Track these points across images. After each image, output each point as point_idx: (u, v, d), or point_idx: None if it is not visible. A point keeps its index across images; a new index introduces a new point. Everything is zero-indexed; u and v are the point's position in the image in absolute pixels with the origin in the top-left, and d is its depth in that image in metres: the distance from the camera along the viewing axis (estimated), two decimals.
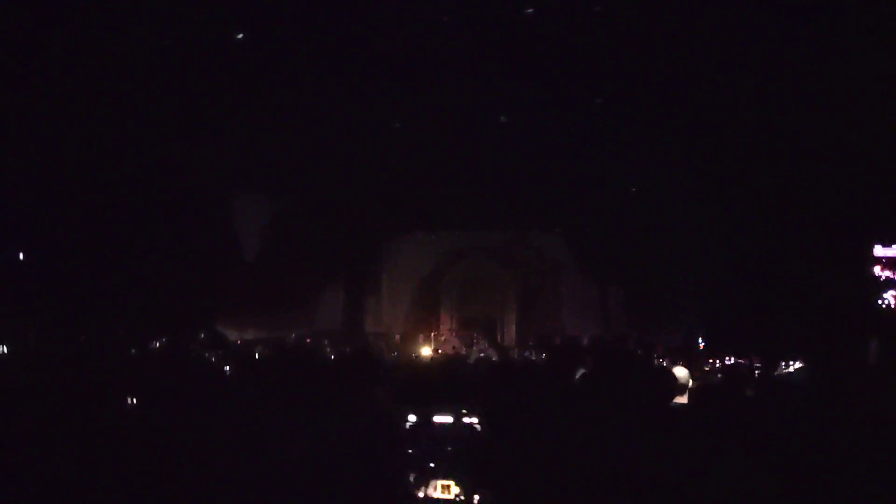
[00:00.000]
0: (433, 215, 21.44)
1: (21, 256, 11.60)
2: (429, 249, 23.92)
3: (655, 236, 18.14)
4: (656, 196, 17.67)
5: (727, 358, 10.96)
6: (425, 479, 1.14)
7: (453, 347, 19.58)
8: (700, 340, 14.87)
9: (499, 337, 23.34)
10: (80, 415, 3.53)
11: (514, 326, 24.07)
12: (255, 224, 17.89)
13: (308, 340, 16.19)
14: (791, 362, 9.34)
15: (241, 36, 11.66)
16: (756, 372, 9.75)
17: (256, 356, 12.84)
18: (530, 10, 11.10)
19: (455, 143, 15.75)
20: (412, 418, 1.07)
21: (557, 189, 18.38)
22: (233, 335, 15.85)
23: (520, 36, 11.59)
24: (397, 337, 21.69)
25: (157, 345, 10.95)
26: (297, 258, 19.19)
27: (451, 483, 1.13)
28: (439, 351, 19.00)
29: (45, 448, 3.30)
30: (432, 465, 1.08)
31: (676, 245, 17.01)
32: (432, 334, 21.67)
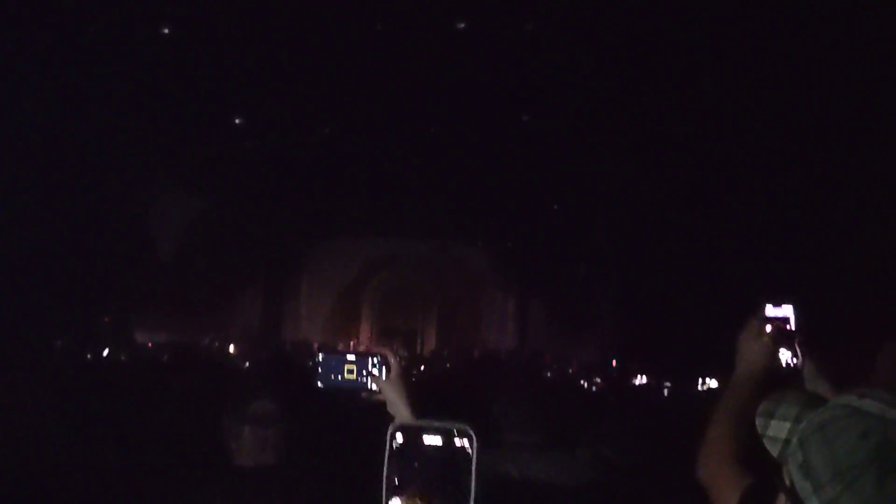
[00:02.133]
0: (357, 222, 21.28)
1: None
2: (351, 257, 23.70)
3: (575, 253, 18.46)
4: (577, 213, 18.00)
5: (639, 376, 11.20)
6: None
7: None
8: (614, 359, 15.16)
9: (418, 348, 23.29)
10: None
11: (434, 338, 24.06)
12: (172, 222, 17.34)
13: (216, 344, 15.74)
14: (707, 380, 9.58)
15: (166, 31, 11.36)
16: (665, 390, 9.99)
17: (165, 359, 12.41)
18: (462, 25, 11.18)
19: (382, 151, 15.69)
20: (399, 438, 1.01)
21: (481, 202, 18.51)
22: (145, 337, 15.31)
23: (450, 48, 11.64)
24: (315, 345, 21.39)
25: (59, 343, 10.48)
26: (215, 260, 18.70)
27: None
28: None
29: None
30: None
31: (595, 262, 17.35)
32: (351, 343, 21.46)
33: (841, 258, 9.54)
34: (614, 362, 15.04)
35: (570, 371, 15.60)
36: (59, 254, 12.19)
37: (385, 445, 1.23)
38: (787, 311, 2.24)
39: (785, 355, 2.15)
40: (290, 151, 15.69)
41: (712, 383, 9.19)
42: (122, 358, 11.78)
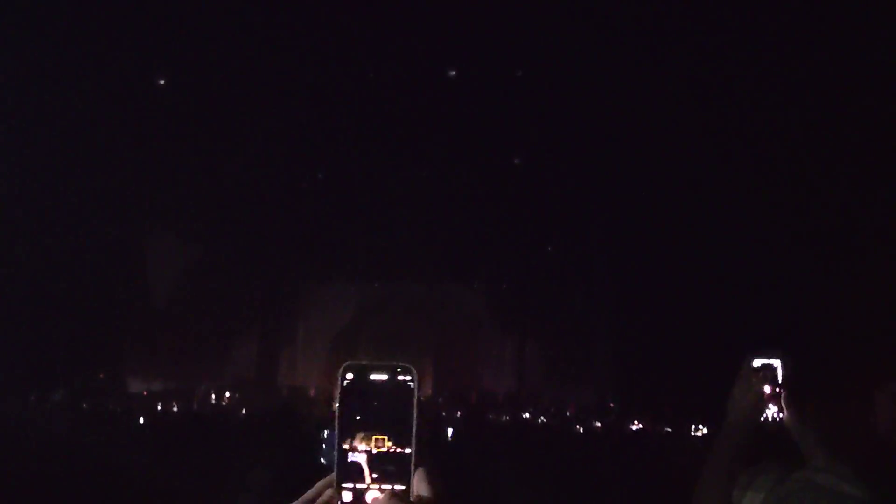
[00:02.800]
0: (353, 265, 21.29)
1: None
2: (347, 300, 23.62)
3: (571, 294, 18.46)
4: (572, 255, 18.04)
5: (634, 423, 11.15)
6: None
7: None
8: (611, 402, 15.08)
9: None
10: None
11: (430, 380, 23.87)
12: (166, 268, 17.30)
13: (211, 392, 15.59)
14: (700, 427, 9.59)
15: (161, 82, 11.51)
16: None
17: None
18: (453, 73, 11.36)
19: (377, 194, 15.79)
20: (349, 376, 1.04)
21: (476, 244, 18.57)
22: (139, 385, 15.20)
23: (442, 95, 11.81)
24: (312, 391, 21.20)
25: (58, 395, 10.39)
26: (210, 306, 18.63)
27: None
28: None
29: None
30: None
31: (591, 303, 17.34)
32: None
33: (831, 304, 9.61)
34: (612, 405, 14.96)
35: (568, 413, 15.49)
36: (55, 303, 12.16)
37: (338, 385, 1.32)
38: (774, 363, 2.27)
39: (771, 409, 2.18)
40: (284, 196, 15.78)
41: (704, 429, 9.24)
42: (114, 409, 11.69)
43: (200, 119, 12.26)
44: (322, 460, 2.14)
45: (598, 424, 12.47)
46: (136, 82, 11.37)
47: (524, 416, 15.14)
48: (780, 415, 2.19)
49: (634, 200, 13.63)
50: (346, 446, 1.26)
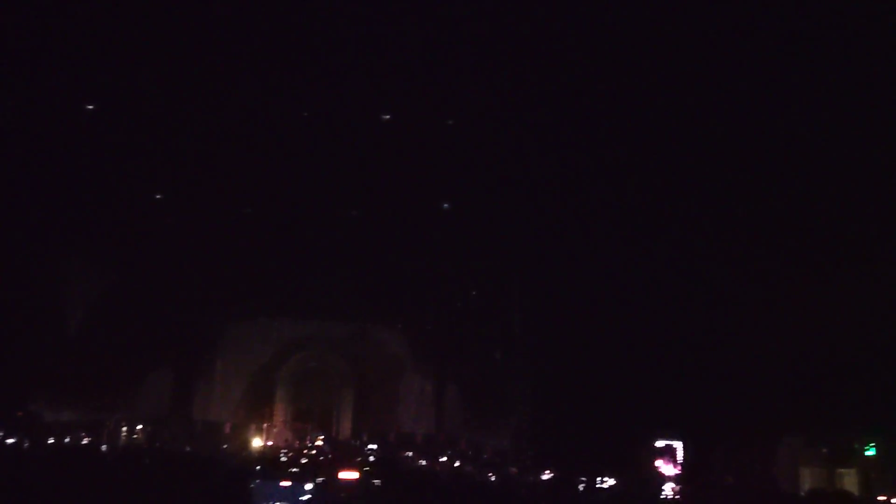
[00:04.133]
0: (273, 303, 21.11)
1: None
2: (267, 337, 23.35)
3: (492, 340, 18.74)
4: (495, 301, 18.35)
5: (546, 472, 11.43)
6: None
7: (286, 440, 19.03)
8: (528, 450, 15.31)
9: (333, 430, 22.87)
10: None
11: (349, 420, 23.69)
12: (80, 299, 16.82)
13: (124, 430, 15.16)
14: (605, 479, 9.99)
15: (90, 107, 11.37)
16: (580, 485, 10.31)
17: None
18: (387, 117, 11.63)
19: (301, 232, 15.81)
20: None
21: (400, 286, 18.71)
22: (48, 416, 14.69)
23: (373, 138, 12.04)
24: (228, 427, 20.78)
25: None
26: (126, 338, 18.14)
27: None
28: (270, 443, 18.39)
29: None
30: None
31: (511, 351, 17.62)
32: (265, 425, 20.95)
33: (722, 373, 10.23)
34: (529, 451, 15.18)
35: (485, 457, 15.65)
36: None
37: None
38: (675, 445, 2.40)
39: (668, 488, 2.32)
40: (207, 230, 15.63)
41: (610, 481, 9.65)
42: (25, 445, 11.34)
43: (125, 142, 12.16)
44: None
45: (514, 470, 12.67)
46: (60, 103, 11.23)
47: (441, 460, 15.23)
48: (677, 497, 2.33)
49: (556, 248, 14.05)
50: None
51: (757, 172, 10.12)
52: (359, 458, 13.04)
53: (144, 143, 11.91)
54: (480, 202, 13.85)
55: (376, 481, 9.03)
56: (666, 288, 11.41)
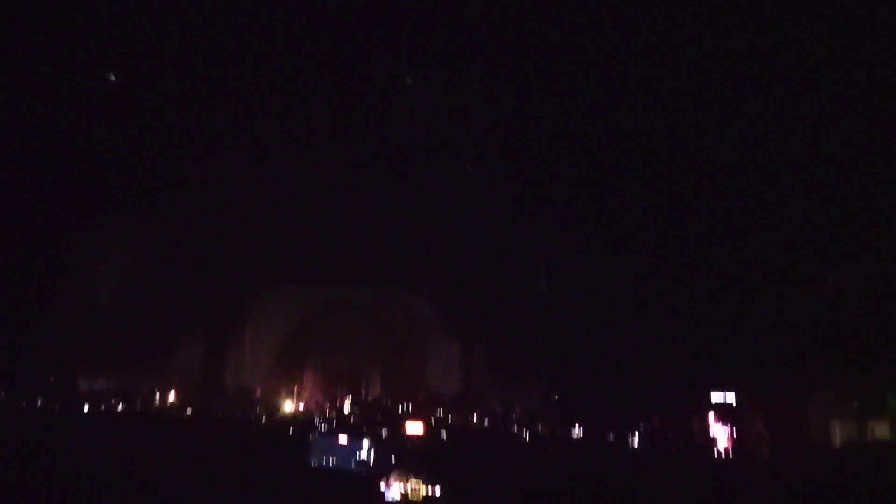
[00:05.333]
0: (301, 270, 21.29)
1: None
2: (296, 303, 23.61)
3: (518, 299, 18.82)
4: (520, 260, 18.40)
5: (576, 426, 11.52)
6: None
7: (316, 403, 19.33)
8: (556, 396, 15.43)
9: (363, 393, 23.19)
10: None
11: (378, 382, 23.99)
12: (113, 271, 17.10)
13: (157, 395, 15.47)
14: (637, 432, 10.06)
15: (112, 78, 11.44)
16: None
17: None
18: (409, 80, 11.60)
19: (327, 198, 15.88)
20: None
21: (426, 249, 18.78)
22: (84, 384, 15.03)
23: (397, 102, 12.02)
24: (259, 391, 21.15)
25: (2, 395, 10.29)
26: (157, 308, 18.46)
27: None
28: (301, 407, 18.72)
29: None
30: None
31: (537, 307, 17.70)
32: (295, 389, 21.28)
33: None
34: (556, 397, 15.32)
35: (514, 415, 15.84)
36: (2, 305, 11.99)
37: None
38: (730, 398, 2.36)
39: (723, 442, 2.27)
40: (235, 198, 15.75)
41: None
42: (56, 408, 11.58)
43: (149, 119, 12.22)
44: (312, 462, 2.37)
45: (544, 427, 12.80)
46: (84, 81, 11.28)
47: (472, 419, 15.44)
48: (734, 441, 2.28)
49: (583, 206, 14.00)
50: None
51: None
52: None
53: (170, 113, 11.99)
54: (506, 163, 13.82)
55: (443, 434, 9.11)
56: (698, 239, 11.29)
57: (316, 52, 11.28)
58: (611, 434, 9.91)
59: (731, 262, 11.04)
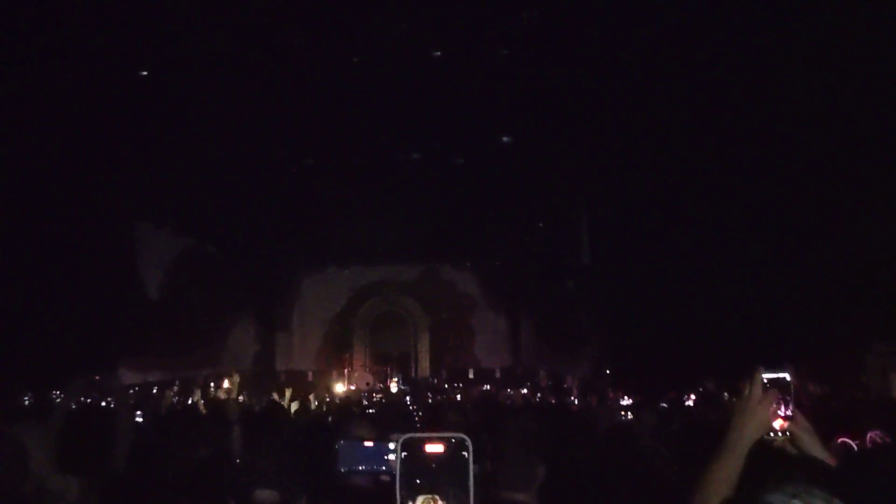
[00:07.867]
0: (345, 251, 21.36)
1: None
2: (340, 285, 23.77)
3: (562, 270, 18.60)
4: (563, 231, 18.16)
5: (624, 398, 11.30)
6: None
7: (367, 383, 19.45)
8: (607, 370, 15.24)
9: (412, 371, 23.30)
10: None
11: (427, 360, 24.09)
12: (159, 260, 17.32)
13: (211, 385, 15.59)
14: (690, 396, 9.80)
15: (145, 73, 11.46)
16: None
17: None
18: (438, 53, 11.37)
19: (368, 179, 15.81)
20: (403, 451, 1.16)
21: (467, 223, 18.64)
22: (136, 377, 15.25)
23: (428, 76, 11.81)
24: (310, 375, 21.37)
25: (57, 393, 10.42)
26: (205, 295, 18.68)
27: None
28: (352, 387, 18.83)
29: None
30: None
31: (582, 278, 17.48)
32: (346, 371, 21.44)
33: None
34: (608, 371, 15.14)
35: (565, 386, 15.69)
36: (48, 301, 12.20)
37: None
38: (785, 377, 2.19)
39: (777, 422, 2.11)
40: (274, 184, 15.77)
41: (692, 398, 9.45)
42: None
43: (188, 110, 12.23)
44: (340, 468, 2.24)
45: (593, 398, 12.61)
46: (119, 74, 11.31)
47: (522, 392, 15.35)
48: (788, 417, 2.13)
49: (625, 175, 13.69)
50: None
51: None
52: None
53: (206, 102, 11.98)
54: (541, 131, 13.54)
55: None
56: (747, 202, 10.88)
57: (350, 29, 11.12)
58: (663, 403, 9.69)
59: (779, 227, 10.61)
